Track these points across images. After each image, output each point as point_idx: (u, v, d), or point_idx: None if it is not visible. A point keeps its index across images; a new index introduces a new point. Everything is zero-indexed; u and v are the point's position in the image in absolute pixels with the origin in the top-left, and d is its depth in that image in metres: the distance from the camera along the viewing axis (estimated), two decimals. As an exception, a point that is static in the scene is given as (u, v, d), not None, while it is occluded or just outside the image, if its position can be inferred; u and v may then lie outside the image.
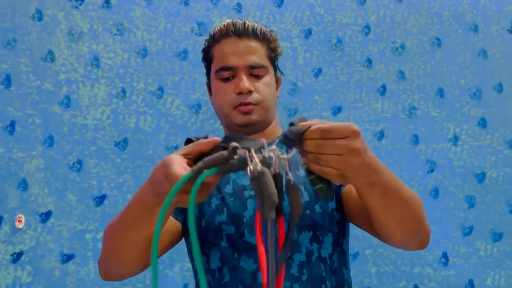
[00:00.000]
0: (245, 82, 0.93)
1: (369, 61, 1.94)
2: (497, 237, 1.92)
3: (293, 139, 0.55)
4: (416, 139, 1.93)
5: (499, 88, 1.98)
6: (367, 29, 1.95)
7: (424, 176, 1.91)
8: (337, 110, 1.91)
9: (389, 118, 1.93)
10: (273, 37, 0.98)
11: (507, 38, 2.00)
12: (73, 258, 1.72)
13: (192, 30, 1.86)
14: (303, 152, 0.59)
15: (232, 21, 0.96)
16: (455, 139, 1.94)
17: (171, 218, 0.92)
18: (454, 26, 1.98)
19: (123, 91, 1.80)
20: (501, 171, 1.95)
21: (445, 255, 1.89)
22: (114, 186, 1.76)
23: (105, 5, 1.81)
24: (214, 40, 0.98)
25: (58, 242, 1.71)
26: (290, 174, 0.54)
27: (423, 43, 1.96)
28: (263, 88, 0.95)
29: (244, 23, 0.96)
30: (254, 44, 0.95)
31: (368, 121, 1.91)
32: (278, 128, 1.02)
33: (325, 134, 0.57)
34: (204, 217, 0.92)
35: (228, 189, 0.93)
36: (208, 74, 1.02)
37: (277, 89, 1.02)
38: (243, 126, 0.95)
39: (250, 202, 0.91)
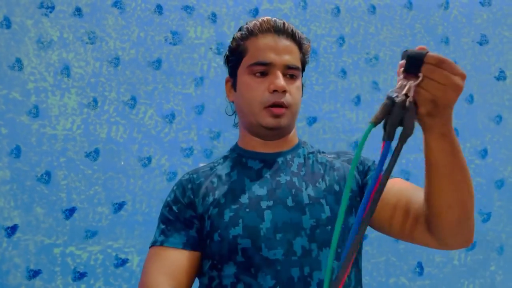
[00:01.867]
0: (282, 80, 0.89)
1: (344, 72, 1.95)
2: (471, 246, 1.94)
3: (416, 58, 0.58)
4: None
5: (470, 99, 2.02)
6: (341, 40, 1.96)
7: (398, 186, 1.92)
8: (312, 120, 1.91)
9: (364, 129, 1.93)
10: (307, 43, 0.96)
11: (477, 50, 2.04)
12: (40, 273, 1.65)
13: (166, 39, 1.83)
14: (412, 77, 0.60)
15: (271, 18, 0.93)
16: (429, 149, 1.97)
17: (186, 254, 0.88)
18: (426, 38, 2.01)
19: (95, 100, 1.76)
20: (473, 180, 1.97)
21: (420, 265, 1.90)
22: (85, 198, 1.71)
23: (76, 13, 1.77)
24: (250, 33, 0.92)
25: (24, 257, 1.64)
26: (410, 95, 0.57)
27: (396, 55, 1.99)
28: (295, 92, 0.92)
29: (284, 23, 0.93)
30: (291, 44, 0.92)
31: (343, 131, 1.92)
32: (295, 136, 1.00)
33: (441, 63, 0.58)
34: (217, 231, 0.87)
35: (244, 199, 0.88)
36: (233, 68, 0.96)
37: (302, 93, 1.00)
38: (270, 129, 0.91)
39: (267, 214, 0.86)
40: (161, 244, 0.88)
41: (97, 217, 1.71)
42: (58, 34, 1.75)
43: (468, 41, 2.04)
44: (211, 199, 0.90)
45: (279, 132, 0.93)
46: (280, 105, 0.89)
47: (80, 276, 1.67)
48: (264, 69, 0.90)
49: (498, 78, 2.04)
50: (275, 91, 0.89)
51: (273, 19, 0.93)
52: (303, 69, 0.97)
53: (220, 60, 1.85)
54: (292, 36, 0.92)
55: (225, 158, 0.99)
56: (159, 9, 1.84)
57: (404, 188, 0.86)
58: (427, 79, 0.58)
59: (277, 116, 0.89)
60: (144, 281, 0.87)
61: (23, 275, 1.63)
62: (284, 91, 0.89)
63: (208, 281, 0.88)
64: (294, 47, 0.92)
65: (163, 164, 1.78)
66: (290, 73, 0.91)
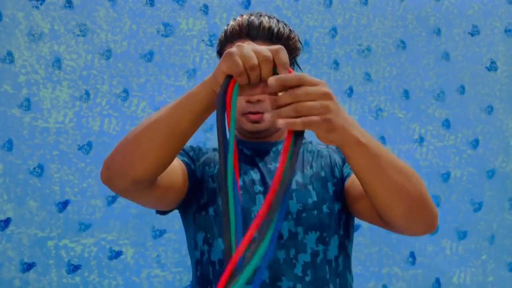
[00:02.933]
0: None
1: (336, 63, 1.96)
2: (462, 235, 1.96)
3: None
4: (383, 140, 1.95)
5: (462, 90, 2.03)
6: (333, 31, 1.97)
7: (391, 176, 1.93)
8: (305, 112, 1.91)
9: (356, 120, 1.94)
10: (291, 37, 0.93)
11: (469, 41, 2.05)
12: (34, 266, 1.65)
13: (158, 31, 1.83)
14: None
15: (247, 20, 0.91)
16: (421, 140, 1.98)
17: (181, 165, 0.89)
18: (418, 29, 2.02)
19: (87, 93, 1.75)
20: (465, 170, 1.99)
21: (412, 255, 1.92)
22: (78, 191, 1.71)
23: (67, 5, 1.76)
24: (227, 39, 0.93)
25: (18, 250, 1.64)
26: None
27: (388, 46, 2.00)
28: None
29: (260, 24, 0.90)
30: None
31: (336, 122, 1.93)
32: None
33: (284, 83, 0.59)
34: (213, 206, 0.90)
35: (240, 181, 0.91)
36: None
37: None
38: (252, 133, 0.95)
39: (259, 198, 0.89)
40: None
41: (91, 210, 1.71)
42: (49, 26, 1.74)
43: (460, 32, 2.05)
44: (211, 170, 0.94)
45: (265, 133, 0.95)
46: (256, 113, 0.92)
47: (74, 268, 1.68)
48: None
49: (489, 69, 2.06)
50: (249, 101, 0.91)
51: (249, 19, 0.91)
52: (291, 65, 0.96)
53: (212, 52, 1.85)
54: (269, 37, 0.90)
55: None
56: (151, 1, 1.83)
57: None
58: (298, 104, 0.59)
59: (255, 122, 0.92)
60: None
61: (17, 268, 1.63)
62: (259, 100, 0.90)
63: (200, 255, 0.92)
64: None
65: (156, 157, 1.78)
66: None
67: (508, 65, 2.07)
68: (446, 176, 1.98)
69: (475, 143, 2.01)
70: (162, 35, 1.83)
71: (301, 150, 0.97)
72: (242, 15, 0.94)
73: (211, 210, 0.91)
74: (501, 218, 2.00)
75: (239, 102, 0.91)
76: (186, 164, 0.92)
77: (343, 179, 0.94)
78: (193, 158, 0.96)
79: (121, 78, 1.78)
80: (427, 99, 2.00)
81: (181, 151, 0.95)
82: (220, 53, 0.98)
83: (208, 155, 0.97)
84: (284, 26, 0.94)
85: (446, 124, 2.00)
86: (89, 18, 1.77)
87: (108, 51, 1.78)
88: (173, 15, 1.85)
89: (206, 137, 1.83)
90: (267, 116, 0.92)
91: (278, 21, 0.93)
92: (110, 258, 1.71)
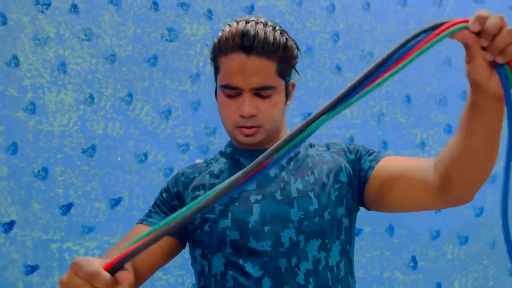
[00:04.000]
0: (247, 107, 0.87)
1: (339, 68, 1.97)
2: (463, 240, 1.97)
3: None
4: (384, 145, 1.96)
5: (464, 95, 2.04)
6: (336, 36, 1.98)
7: (393, 181, 1.94)
8: (307, 116, 1.92)
9: (358, 124, 1.96)
10: (288, 46, 0.89)
11: (470, 47, 2.06)
12: (38, 269, 1.66)
13: (162, 36, 1.84)
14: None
15: (242, 32, 0.86)
16: (422, 144, 1.99)
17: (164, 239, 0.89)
18: (420, 35, 2.03)
19: (91, 97, 1.77)
20: (466, 175, 2.00)
21: (413, 259, 1.92)
22: (82, 194, 1.72)
23: (72, 9, 1.78)
24: (220, 51, 0.89)
25: (21, 252, 1.65)
26: None
27: (390, 51, 2.01)
28: (268, 110, 0.89)
29: (254, 36, 0.85)
30: (263, 62, 0.86)
31: (338, 127, 1.94)
32: (286, 132, 0.99)
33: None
34: (207, 222, 0.90)
35: (234, 193, 0.87)
36: (215, 76, 0.96)
37: (289, 98, 0.96)
38: (247, 145, 0.94)
39: (256, 207, 0.88)
40: (141, 222, 0.95)
41: (94, 213, 1.72)
42: (54, 30, 1.75)
43: (462, 38, 2.06)
44: (201, 193, 0.93)
45: (260, 144, 0.93)
46: (250, 127, 0.90)
47: (77, 271, 1.69)
48: (233, 92, 0.89)
49: (491, 75, 2.07)
50: (242, 115, 0.89)
51: (243, 31, 0.86)
52: (286, 75, 0.92)
53: (216, 57, 1.86)
54: (264, 51, 0.86)
55: (221, 154, 1.02)
56: (155, 5, 1.85)
57: (399, 164, 0.89)
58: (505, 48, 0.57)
59: (249, 135, 0.90)
60: None
61: (20, 271, 1.64)
62: (252, 115, 0.88)
63: (200, 269, 0.92)
64: (266, 64, 0.87)
65: (159, 160, 1.79)
66: (262, 93, 0.88)
67: (509, 70, 2.08)
68: (447, 181, 1.99)
69: (477, 148, 2.02)
70: (167, 39, 1.84)
71: (302, 155, 0.97)
72: (237, 22, 0.90)
73: (206, 227, 0.90)
74: (502, 223, 2.01)
75: (233, 114, 0.90)
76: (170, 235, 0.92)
77: (360, 175, 0.93)
78: (175, 208, 0.94)
79: (125, 82, 1.80)
80: (429, 104, 2.01)
81: (162, 208, 0.96)
82: (214, 61, 0.94)
83: (197, 179, 0.96)
84: (281, 35, 0.89)
85: (448, 129, 2.01)
86: (94, 22, 1.79)
87: (113, 55, 1.80)
88: (178, 20, 1.86)
89: (209, 141, 1.84)
90: (262, 129, 0.90)
91: (274, 29, 0.89)
92: (113, 261, 1.72)
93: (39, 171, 1.70)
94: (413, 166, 0.86)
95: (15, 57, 1.72)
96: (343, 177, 0.94)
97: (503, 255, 1.98)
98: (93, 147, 1.75)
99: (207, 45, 1.88)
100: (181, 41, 1.85)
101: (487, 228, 1.99)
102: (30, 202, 1.68)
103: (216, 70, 0.94)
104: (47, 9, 1.76)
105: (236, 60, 0.87)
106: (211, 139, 1.84)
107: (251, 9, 1.92)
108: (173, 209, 0.95)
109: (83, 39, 1.78)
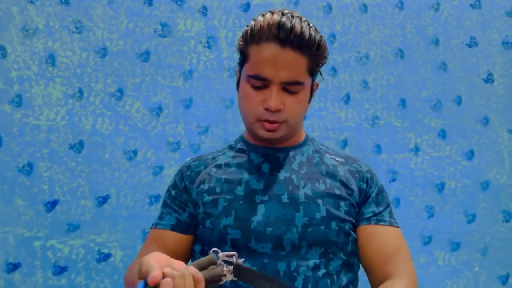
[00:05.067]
0: (275, 100, 0.84)
1: (334, 70, 1.94)
2: (455, 246, 1.95)
3: None
4: (378, 149, 1.94)
5: (458, 101, 2.03)
6: (332, 38, 1.95)
7: (386, 185, 1.92)
8: (301, 118, 1.90)
9: (353, 127, 1.93)
10: (321, 45, 0.87)
11: (466, 52, 2.05)
12: (20, 267, 1.61)
13: (155, 31, 1.80)
14: None
15: (279, 23, 0.83)
16: (416, 149, 1.97)
17: (173, 236, 0.91)
18: (417, 39, 2.02)
19: (80, 91, 1.72)
20: (459, 181, 1.99)
21: (405, 265, 1.90)
22: (67, 191, 1.67)
23: (63, 1, 1.73)
24: (253, 39, 0.86)
25: (3, 250, 1.60)
26: None
27: (386, 54, 1.99)
28: (294, 106, 0.87)
29: (291, 29, 0.82)
30: (296, 56, 0.84)
31: (332, 129, 1.91)
32: (302, 133, 0.97)
33: None
34: (210, 218, 0.88)
35: (239, 191, 0.88)
36: (240, 66, 0.93)
37: (311, 97, 0.94)
38: (265, 140, 0.91)
39: (260, 208, 0.85)
40: (155, 226, 0.94)
41: (80, 210, 1.67)
42: (44, 22, 1.70)
43: (458, 43, 2.05)
44: (206, 186, 0.91)
45: (278, 140, 0.92)
46: (273, 122, 0.87)
47: (60, 270, 1.63)
48: (261, 83, 0.86)
49: (486, 81, 2.06)
50: (268, 108, 0.86)
51: (281, 22, 0.83)
52: (313, 74, 0.91)
53: (209, 54, 1.83)
54: (298, 45, 0.84)
55: (230, 148, 0.99)
56: (149, 0, 1.81)
57: (384, 251, 0.89)
58: None
59: (270, 130, 0.88)
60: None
61: (2, 268, 1.59)
62: (278, 110, 0.86)
63: None
64: (299, 58, 0.85)
65: (149, 158, 1.75)
66: (290, 89, 0.86)
67: (505, 77, 2.07)
68: (440, 187, 1.97)
69: (470, 154, 2.01)
70: (160, 35, 1.80)
71: (316, 161, 0.93)
72: (272, 13, 0.86)
73: (208, 223, 0.88)
74: (494, 230, 1.99)
75: (257, 107, 0.87)
76: (179, 228, 0.92)
77: (358, 212, 0.91)
78: (186, 204, 0.94)
79: (116, 77, 1.75)
80: (424, 109, 2.00)
81: (173, 206, 0.95)
82: (242, 51, 0.90)
83: (203, 173, 0.94)
84: (316, 32, 0.88)
85: (442, 134, 2.00)
86: (86, 15, 1.74)
87: (104, 49, 1.75)
88: (171, 15, 1.82)
89: (200, 140, 1.81)
90: (284, 125, 0.88)
91: (309, 25, 0.87)
92: (98, 260, 1.67)
93: (23, 166, 1.64)
94: (382, 267, 0.88)
95: (2, 48, 1.67)
96: (356, 198, 0.91)
97: (494, 262, 1.97)
98: (81, 143, 1.70)
99: (201, 42, 1.84)
100: (175, 37, 1.81)
101: (479, 235, 1.98)
102: (14, 198, 1.62)
103: (244, 59, 0.90)
104: (37, -1, 1.71)
105: (269, 50, 0.84)
106: (203, 138, 1.80)
107: (247, 7, 1.89)
108: (184, 205, 0.93)
109: (74, 32, 1.73)
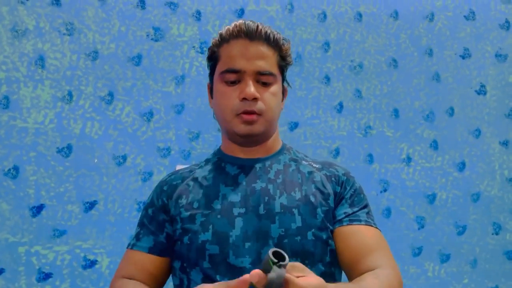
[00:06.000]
0: (251, 88, 0.85)
1: (327, 78, 1.93)
2: (445, 258, 1.95)
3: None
4: (370, 158, 1.93)
5: (451, 112, 2.03)
6: (326, 46, 1.94)
7: (377, 195, 1.91)
8: (294, 126, 1.88)
9: (345, 136, 1.92)
10: (286, 45, 0.92)
11: (459, 64, 2.05)
12: (3, 272, 1.57)
13: (147, 35, 1.78)
14: None
15: (244, 22, 0.89)
16: (408, 160, 1.96)
17: (152, 259, 0.89)
18: (410, 49, 2.01)
19: (70, 94, 1.69)
20: (450, 193, 1.98)
21: (394, 276, 1.89)
22: (54, 195, 1.64)
23: (54, 2, 1.70)
24: (223, 39, 0.90)
25: (-14, 255, 1.56)
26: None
27: (380, 63, 1.98)
28: (269, 98, 0.88)
29: (257, 26, 0.88)
30: (265, 49, 0.88)
31: (324, 138, 1.90)
32: (278, 141, 0.96)
33: None
34: (187, 234, 0.85)
35: (216, 205, 0.86)
36: (211, 75, 0.95)
37: (282, 100, 0.95)
38: (244, 137, 0.89)
39: (238, 221, 0.84)
40: (132, 247, 0.92)
41: (66, 215, 1.64)
42: (34, 23, 1.67)
43: (451, 54, 2.05)
44: (184, 201, 0.89)
45: (254, 139, 0.90)
46: (251, 112, 0.87)
47: (45, 276, 1.60)
48: (235, 77, 0.87)
49: (478, 92, 2.06)
50: (244, 99, 0.86)
51: (246, 22, 0.89)
52: (283, 72, 0.93)
53: (202, 59, 1.81)
54: (266, 39, 0.88)
55: (206, 161, 0.97)
56: (142, 3, 1.78)
57: (360, 247, 0.85)
58: None
59: (248, 123, 0.87)
60: (111, 281, 0.92)
61: (-16, 274, 1.55)
62: (255, 99, 0.86)
63: (179, 282, 0.88)
64: (268, 52, 0.88)
65: (138, 164, 1.72)
66: (263, 80, 0.88)
67: (497, 89, 2.07)
68: (431, 198, 1.97)
69: (462, 166, 2.01)
70: (152, 39, 1.78)
71: (292, 169, 0.92)
72: (236, 21, 0.92)
73: (186, 239, 0.85)
74: (484, 242, 1.99)
75: (233, 101, 0.87)
76: (157, 250, 0.91)
77: (333, 217, 0.89)
78: (163, 224, 0.92)
79: (107, 81, 1.72)
80: (416, 119, 1.99)
81: (150, 227, 0.92)
82: (212, 56, 0.93)
83: (180, 187, 0.92)
84: (278, 33, 0.93)
85: (434, 145, 1.99)
86: (77, 17, 1.72)
87: (95, 52, 1.72)
88: (165, 20, 1.80)
89: (191, 146, 1.78)
90: (262, 119, 0.87)
91: (271, 29, 0.93)
92: (84, 267, 1.64)
93: (9, 170, 1.61)
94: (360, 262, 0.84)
95: (-10, 48, 1.63)
96: (332, 202, 0.89)
97: (484, 274, 1.97)
98: (69, 147, 1.67)
99: (194, 47, 1.82)
100: (167, 41, 1.79)
101: (469, 247, 1.97)
102: (-2, 202, 1.59)
103: (215, 61, 0.92)
104: (27, 0, 1.68)
105: (239, 45, 0.88)
106: (194, 144, 1.78)
107: (241, 13, 1.87)
108: (161, 226, 0.91)
109: (64, 34, 1.70)
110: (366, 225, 0.87)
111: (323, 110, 1.91)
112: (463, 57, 2.06)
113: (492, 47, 2.08)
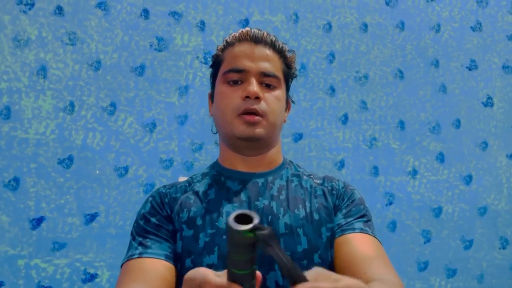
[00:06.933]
0: (255, 86, 0.83)
1: (332, 89, 1.91)
2: (451, 273, 1.91)
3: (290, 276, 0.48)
4: (376, 171, 1.90)
5: (457, 124, 2.00)
6: (331, 56, 1.92)
7: (382, 208, 1.88)
8: (298, 137, 1.86)
9: (350, 148, 1.89)
10: (291, 55, 0.91)
11: (466, 75, 2.03)
12: (3, 285, 1.54)
13: (151, 45, 1.76)
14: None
15: (250, 29, 0.88)
16: (414, 172, 1.93)
17: (168, 267, 0.79)
18: (416, 60, 1.99)
19: (72, 104, 1.67)
20: (456, 206, 1.95)
21: (400, 291, 1.86)
22: (54, 207, 1.61)
23: (57, 11, 1.68)
24: (228, 44, 0.89)
25: (-16, 268, 1.53)
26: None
27: (386, 74, 1.96)
28: (273, 100, 0.85)
29: (263, 33, 0.88)
30: (270, 53, 0.87)
31: (329, 149, 1.87)
32: (280, 155, 0.92)
33: None
34: (190, 256, 0.79)
35: (221, 223, 0.80)
36: (213, 80, 0.92)
37: (286, 111, 0.92)
38: (245, 140, 0.84)
39: None
40: (139, 255, 0.79)
41: (67, 228, 1.61)
42: (36, 32, 1.66)
43: (458, 65, 2.03)
44: (185, 216, 0.83)
45: (256, 144, 0.85)
46: (254, 113, 0.82)
47: (44, 290, 1.57)
48: (238, 77, 0.85)
49: (485, 104, 2.03)
50: (247, 97, 0.83)
51: (252, 29, 0.88)
52: (287, 82, 0.91)
53: (206, 70, 1.79)
54: (271, 45, 0.87)
55: (203, 175, 0.92)
56: (146, 13, 1.76)
57: (358, 258, 0.79)
58: None
59: (250, 124, 0.82)
60: None
61: (-18, 288, 1.52)
62: (258, 98, 0.83)
63: None
64: (273, 56, 0.87)
65: (140, 175, 1.70)
66: (267, 81, 0.85)
67: (504, 101, 2.05)
68: (437, 211, 1.93)
69: (468, 179, 1.98)
70: (155, 49, 1.76)
71: (295, 184, 0.88)
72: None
73: (188, 262, 0.80)
74: (490, 257, 1.95)
75: (235, 101, 0.84)
76: (170, 258, 0.81)
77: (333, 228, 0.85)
78: (173, 234, 0.84)
79: (109, 91, 1.70)
80: (422, 131, 1.96)
81: (159, 234, 0.83)
82: (216, 61, 0.91)
83: (180, 199, 0.86)
84: (284, 43, 0.92)
85: (440, 157, 1.96)
86: (80, 26, 1.70)
87: (98, 62, 1.70)
88: (168, 30, 1.78)
89: (194, 157, 1.76)
90: (264, 122, 0.83)
91: (277, 38, 0.92)
92: (84, 281, 1.61)
93: (9, 181, 1.58)
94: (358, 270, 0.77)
95: (-8, 58, 1.62)
96: (333, 218, 0.85)
97: (490, 290, 1.93)
98: (70, 158, 1.65)
99: (198, 57, 1.80)
100: (171, 52, 1.77)
101: (476, 262, 1.94)
102: (-2, 214, 1.56)
103: (219, 64, 0.90)
104: (30, 9, 1.66)
105: (244, 46, 0.87)
106: (197, 156, 1.75)
107: (245, 23, 1.85)
108: (172, 236, 0.83)
109: (67, 43, 1.68)
110: (361, 233, 0.82)
111: (327, 121, 1.89)
112: (469, 69, 2.04)
113: (499, 59, 2.06)
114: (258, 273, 0.48)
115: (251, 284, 0.45)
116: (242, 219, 0.44)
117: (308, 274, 0.48)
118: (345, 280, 0.49)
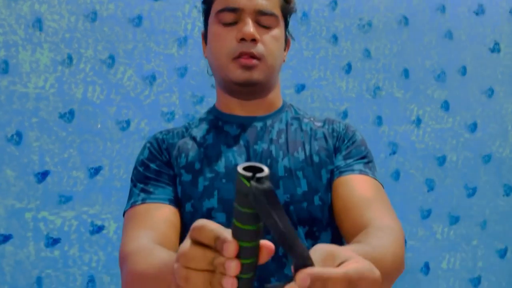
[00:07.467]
0: (250, 27, 0.77)
1: (335, 38, 1.86)
2: (454, 220, 1.93)
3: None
4: (379, 120, 1.88)
5: (463, 71, 1.96)
6: (334, 3, 1.87)
7: (386, 158, 1.88)
8: (300, 88, 1.83)
9: (353, 98, 1.87)
10: None
11: (473, 20, 1.97)
12: (11, 238, 1.57)
13: (147, -5, 1.71)
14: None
15: None
16: (418, 121, 1.92)
17: (173, 210, 0.78)
18: (422, 5, 1.93)
19: (70, 57, 1.64)
20: (461, 154, 1.94)
21: (403, 238, 1.88)
22: (58, 161, 1.62)
23: (49, -40, 1.63)
24: None
25: (-7, 221, 1.56)
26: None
27: (390, 21, 1.90)
28: (271, 41, 0.80)
29: None
30: None
31: (332, 100, 1.85)
32: (279, 98, 0.88)
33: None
34: (190, 200, 0.78)
35: (220, 167, 0.78)
36: (206, 20, 0.86)
37: (285, 51, 0.87)
38: (242, 85, 0.80)
39: None
40: (143, 201, 0.77)
41: (72, 181, 1.63)
42: (29, -17, 1.61)
43: (464, 10, 1.97)
44: (183, 161, 0.81)
45: (253, 89, 0.81)
46: (250, 56, 0.78)
47: (53, 242, 1.60)
48: (232, 17, 0.79)
49: (492, 50, 1.98)
50: (242, 39, 0.78)
51: None
52: (286, 18, 0.85)
53: (205, 20, 1.74)
54: None
55: (200, 120, 0.89)
56: (141, -39, 1.71)
57: (358, 199, 0.75)
58: None
59: (247, 68, 0.78)
60: (122, 242, 0.74)
61: (-8, 240, 1.56)
62: (254, 40, 0.78)
63: None
64: None
65: (142, 129, 1.69)
66: (264, 21, 0.79)
67: (511, 47, 2.00)
68: (441, 160, 1.93)
69: (473, 127, 1.96)
70: (152, -2, 1.71)
71: (294, 127, 0.86)
72: None
73: (188, 206, 0.79)
74: (494, 204, 1.96)
75: (230, 43, 0.79)
76: (174, 201, 0.79)
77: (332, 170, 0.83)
78: (174, 178, 0.82)
79: (107, 43, 1.67)
80: (427, 79, 1.93)
81: (161, 179, 0.81)
82: (205, 1, 0.85)
83: (178, 144, 0.84)
84: None
85: (445, 106, 1.94)
86: (74, -24, 1.65)
87: (94, 13, 1.66)
88: (165, -22, 1.73)
89: (195, 110, 1.75)
90: (262, 65, 0.79)
91: None
92: (92, 232, 1.64)
93: (12, 136, 1.59)
94: (357, 215, 0.73)
95: (-14, 11, 1.58)
96: (333, 160, 0.83)
97: (493, 236, 1.95)
98: (71, 112, 1.64)
99: (196, 6, 1.75)
100: (168, 1, 1.72)
101: (479, 209, 1.95)
102: (3, 168, 1.57)
103: (210, 3, 0.84)
104: (21, -41, 1.61)
105: None
106: (198, 108, 1.74)
107: (244, -31, 1.79)
108: (173, 181, 0.81)
109: (61, -6, 1.64)
110: (360, 174, 0.79)
111: (330, 71, 1.86)
112: (476, 14, 1.97)
113: (506, 3, 1.99)
114: (268, 242, 0.39)
115: (256, 243, 0.38)
116: (256, 171, 0.38)
117: (312, 253, 0.40)
118: (357, 264, 0.39)
